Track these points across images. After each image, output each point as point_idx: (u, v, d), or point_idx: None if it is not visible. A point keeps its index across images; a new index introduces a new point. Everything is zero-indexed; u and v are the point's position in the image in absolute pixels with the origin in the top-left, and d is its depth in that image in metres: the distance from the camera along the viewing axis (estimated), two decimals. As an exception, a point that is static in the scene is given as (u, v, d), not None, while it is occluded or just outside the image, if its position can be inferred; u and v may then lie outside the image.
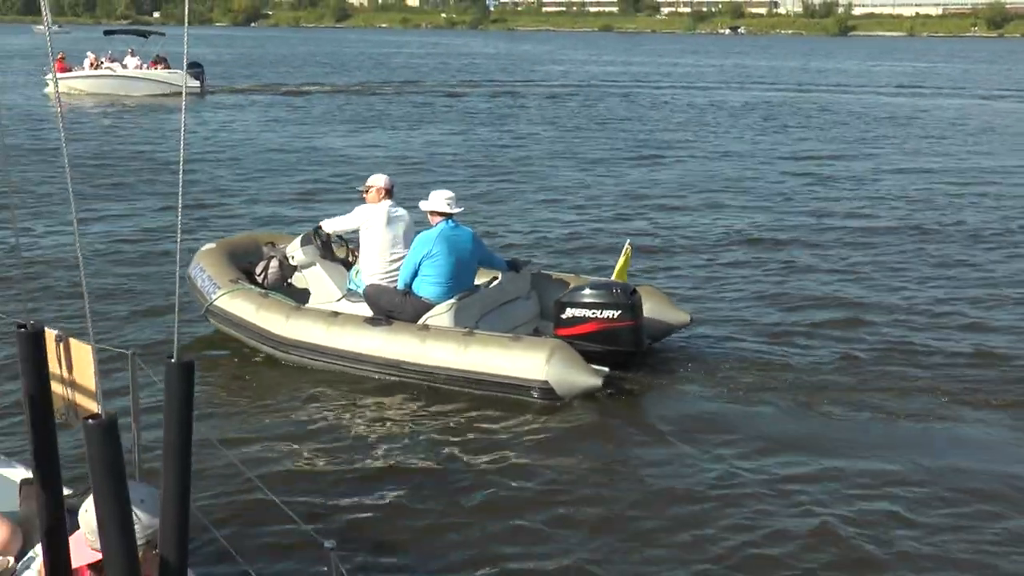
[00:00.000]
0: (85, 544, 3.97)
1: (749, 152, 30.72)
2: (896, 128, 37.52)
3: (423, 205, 11.48)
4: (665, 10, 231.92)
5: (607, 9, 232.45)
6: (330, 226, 12.02)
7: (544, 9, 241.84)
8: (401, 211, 11.79)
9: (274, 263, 12.34)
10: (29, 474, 5.35)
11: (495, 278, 11.69)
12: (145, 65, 48.84)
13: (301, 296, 12.07)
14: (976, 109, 46.44)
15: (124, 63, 49.26)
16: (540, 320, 11.71)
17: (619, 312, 10.73)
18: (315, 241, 11.96)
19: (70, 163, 3.09)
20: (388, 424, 9.92)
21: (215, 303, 11.64)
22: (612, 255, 14.57)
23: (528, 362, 10.19)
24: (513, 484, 8.53)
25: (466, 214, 12.74)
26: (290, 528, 7.00)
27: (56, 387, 4.65)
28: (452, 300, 10.95)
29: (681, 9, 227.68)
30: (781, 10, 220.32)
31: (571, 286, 11.46)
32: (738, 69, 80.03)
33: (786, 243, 17.98)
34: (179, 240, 3.44)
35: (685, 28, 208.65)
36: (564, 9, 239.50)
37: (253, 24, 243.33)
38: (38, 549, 4.41)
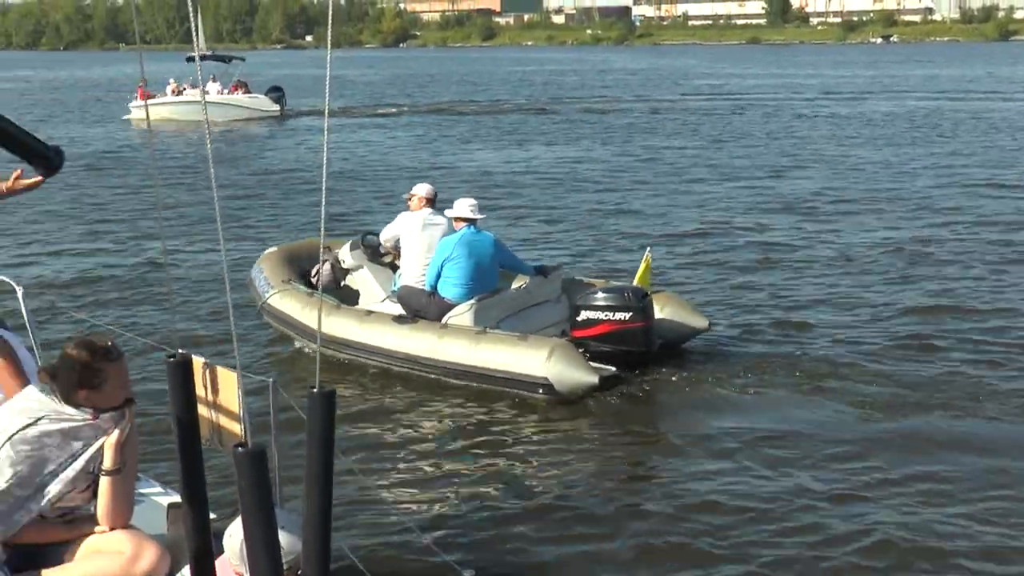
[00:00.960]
0: (229, 568, 4.01)
1: (885, 162, 30.10)
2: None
3: (448, 212, 12.22)
4: (814, 20, 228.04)
5: (754, 21, 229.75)
6: (382, 234, 12.81)
7: (690, 23, 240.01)
8: (439, 219, 12.32)
9: (327, 266, 13.06)
10: (176, 498, 5.44)
11: (523, 282, 12.39)
12: (226, 90, 49.22)
13: (353, 297, 12.88)
14: None
15: (206, 89, 48.86)
16: (568, 323, 11.97)
17: (630, 314, 11.34)
18: (362, 246, 12.86)
19: (202, 186, 3.13)
20: (519, 446, 9.95)
21: (267, 301, 12.64)
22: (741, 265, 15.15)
23: (530, 360, 10.75)
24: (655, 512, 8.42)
25: (595, 224, 12.89)
26: (429, 557, 7.00)
27: (202, 412, 4.73)
28: (472, 301, 11.62)
29: (831, 19, 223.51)
30: (936, 16, 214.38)
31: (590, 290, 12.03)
32: (889, 79, 78.00)
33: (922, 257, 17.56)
34: (321, 270, 3.45)
35: (835, 38, 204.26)
36: (711, 23, 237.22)
37: (402, 45, 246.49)
38: (186, 572, 4.47)
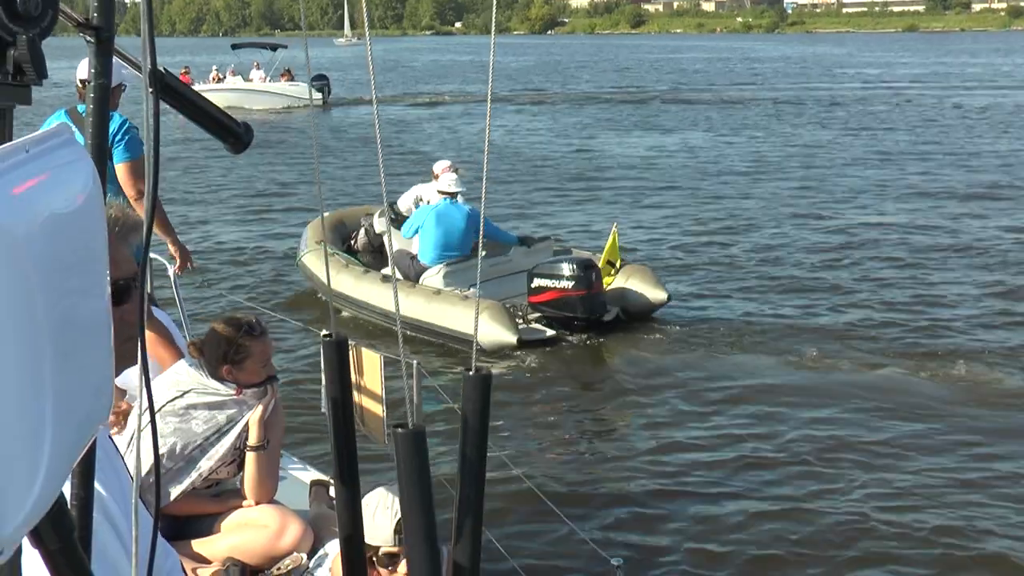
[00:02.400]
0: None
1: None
2: None
3: (434, 185, 13.73)
4: (977, 6, 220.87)
5: (912, 8, 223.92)
6: (399, 202, 14.54)
7: (844, 10, 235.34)
8: (456, 198, 13.36)
9: (362, 232, 14.63)
10: (318, 475, 5.51)
11: (503, 251, 13.54)
12: (269, 78, 48.56)
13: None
14: None
15: (250, 76, 49.29)
16: None
17: (572, 283, 12.16)
18: (388, 214, 13.43)
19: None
20: (657, 432, 9.92)
21: (300, 259, 14.36)
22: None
23: (464, 319, 11.83)
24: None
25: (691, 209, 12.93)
26: (575, 543, 6.94)
27: (354, 396, 4.77)
28: (441, 266, 12.93)
29: (995, 5, 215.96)
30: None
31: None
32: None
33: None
34: (479, 257, 3.43)
35: (1000, 25, 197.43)
36: (866, 10, 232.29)
37: (550, 32, 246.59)
38: (328, 547, 4.51)
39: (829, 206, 21.80)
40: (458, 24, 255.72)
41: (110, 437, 2.80)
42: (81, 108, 7.24)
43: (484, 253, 13.00)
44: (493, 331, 11.69)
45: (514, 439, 9.63)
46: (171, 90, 1.63)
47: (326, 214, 15.50)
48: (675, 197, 23.59)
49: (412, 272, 13.06)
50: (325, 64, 71.62)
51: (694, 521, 7.97)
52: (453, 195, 13.07)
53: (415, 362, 4.91)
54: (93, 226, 1.33)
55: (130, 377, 5.74)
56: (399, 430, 2.66)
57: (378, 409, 4.66)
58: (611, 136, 36.02)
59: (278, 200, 23.08)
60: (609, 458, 9.26)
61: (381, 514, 3.98)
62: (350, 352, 4.75)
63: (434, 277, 12.85)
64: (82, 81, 7.21)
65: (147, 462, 4.69)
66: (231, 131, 1.84)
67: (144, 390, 1.71)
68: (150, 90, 1.53)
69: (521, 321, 12.41)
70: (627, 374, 11.46)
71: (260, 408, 4.74)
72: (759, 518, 8.03)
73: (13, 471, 1.16)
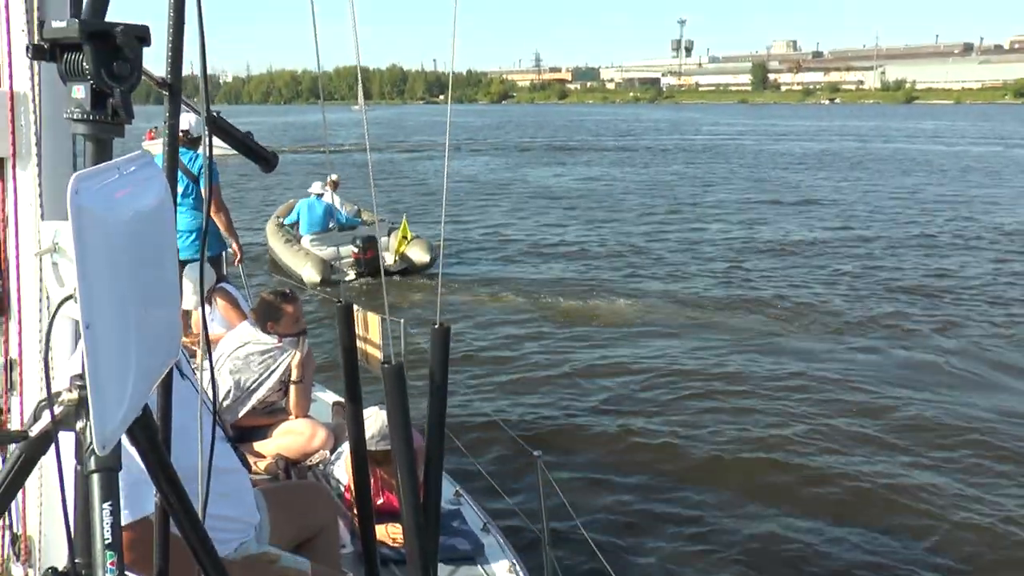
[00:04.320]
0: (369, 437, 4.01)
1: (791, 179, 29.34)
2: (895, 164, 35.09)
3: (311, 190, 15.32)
4: (783, 88, 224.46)
5: (744, 88, 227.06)
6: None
7: (700, 88, 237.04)
8: (321, 197, 15.07)
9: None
10: (338, 398, 5.48)
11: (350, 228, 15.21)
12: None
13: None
14: (992, 155, 42.91)
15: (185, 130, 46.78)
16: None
17: (357, 249, 13.85)
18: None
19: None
20: (574, 347, 9.95)
21: (266, 231, 16.27)
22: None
23: (301, 266, 13.83)
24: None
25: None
26: (504, 438, 6.88)
27: (359, 344, 4.73)
28: (307, 235, 14.71)
29: (794, 87, 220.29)
30: (865, 86, 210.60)
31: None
32: (826, 125, 76.86)
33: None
34: (443, 238, 3.40)
35: (796, 100, 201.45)
36: (713, 88, 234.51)
37: (504, 102, 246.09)
38: (344, 448, 4.49)
39: (653, 211, 22.25)
40: (441, 96, 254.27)
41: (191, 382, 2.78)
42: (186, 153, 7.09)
43: (336, 228, 15.46)
44: (309, 274, 13.53)
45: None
46: (220, 129, 1.62)
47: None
48: (547, 206, 24.14)
49: (293, 238, 15.02)
50: (345, 123, 71.20)
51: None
52: (319, 195, 14.98)
53: (402, 321, 4.87)
54: (165, 220, 1.32)
55: (215, 328, 5.71)
56: (386, 366, 2.65)
57: (377, 353, 4.63)
58: (533, 169, 36.26)
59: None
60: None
61: (374, 423, 3.98)
62: (357, 314, 4.72)
63: (304, 240, 14.76)
64: (183, 131, 7.10)
65: (221, 391, 4.66)
66: (263, 157, 1.83)
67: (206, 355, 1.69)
68: (207, 128, 1.53)
69: (342, 269, 14.03)
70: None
71: (298, 353, 4.73)
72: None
73: (110, 390, 1.15)
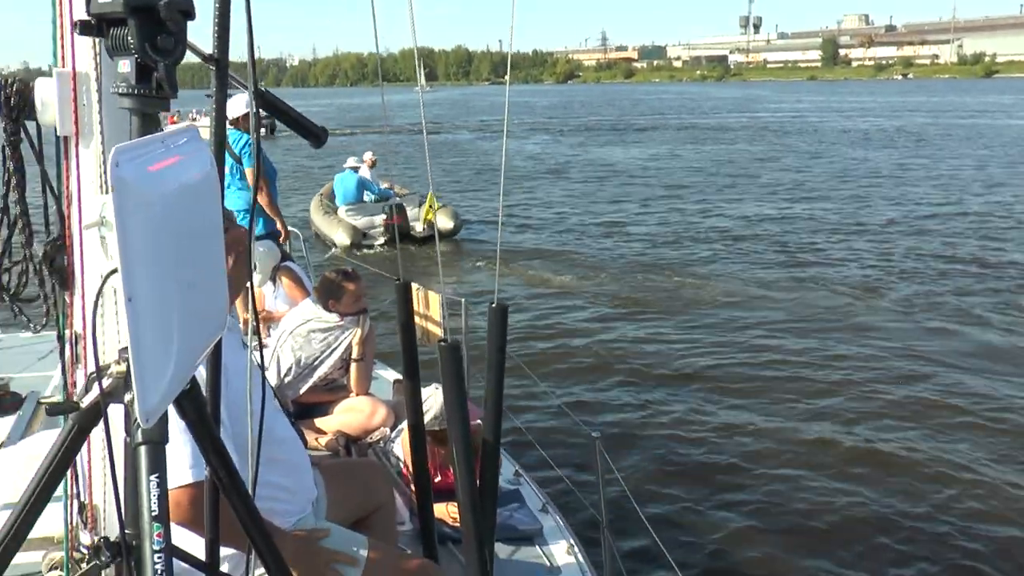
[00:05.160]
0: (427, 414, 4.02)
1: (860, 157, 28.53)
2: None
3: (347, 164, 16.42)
4: (855, 63, 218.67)
5: (813, 64, 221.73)
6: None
7: (768, 66, 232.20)
8: (356, 171, 16.29)
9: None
10: (398, 376, 5.51)
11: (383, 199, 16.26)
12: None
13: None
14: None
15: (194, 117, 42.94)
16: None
17: (386, 216, 15.15)
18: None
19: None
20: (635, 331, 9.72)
21: (311, 207, 17.03)
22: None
23: (335, 231, 15.30)
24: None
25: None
26: (563, 419, 6.87)
27: (416, 321, 4.75)
28: (343, 206, 15.96)
29: (867, 63, 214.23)
30: (941, 60, 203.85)
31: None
32: (899, 102, 74.70)
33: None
34: (500, 219, 3.38)
35: (869, 75, 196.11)
36: (782, 65, 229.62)
37: (569, 82, 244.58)
38: (403, 425, 4.51)
39: (705, 193, 21.61)
40: (506, 76, 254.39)
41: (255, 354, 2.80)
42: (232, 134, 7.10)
43: (374, 200, 16.08)
44: (341, 238, 15.00)
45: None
46: (269, 104, 1.61)
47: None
48: (608, 185, 23.90)
49: (332, 209, 16.19)
50: (409, 103, 71.73)
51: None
52: (354, 168, 16.18)
53: (463, 300, 4.88)
54: (211, 194, 1.32)
55: (279, 305, 5.78)
56: (442, 343, 2.64)
57: (437, 330, 4.65)
58: (594, 149, 36.02)
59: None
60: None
61: (435, 402, 3.99)
62: (417, 292, 4.72)
63: (341, 210, 15.96)
64: (233, 119, 7.10)
65: (283, 367, 4.73)
66: (313, 132, 1.82)
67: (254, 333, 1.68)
68: (254, 103, 1.53)
69: (373, 236, 15.47)
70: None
71: (359, 331, 4.76)
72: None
73: (152, 363, 1.15)
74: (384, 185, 17.02)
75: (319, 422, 4.77)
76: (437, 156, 31.44)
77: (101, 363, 1.27)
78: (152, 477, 1.23)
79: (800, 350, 9.23)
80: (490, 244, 15.35)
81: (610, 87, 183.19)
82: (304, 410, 4.82)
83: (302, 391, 4.78)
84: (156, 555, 1.21)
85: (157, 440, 1.23)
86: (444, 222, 15.37)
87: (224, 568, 2.22)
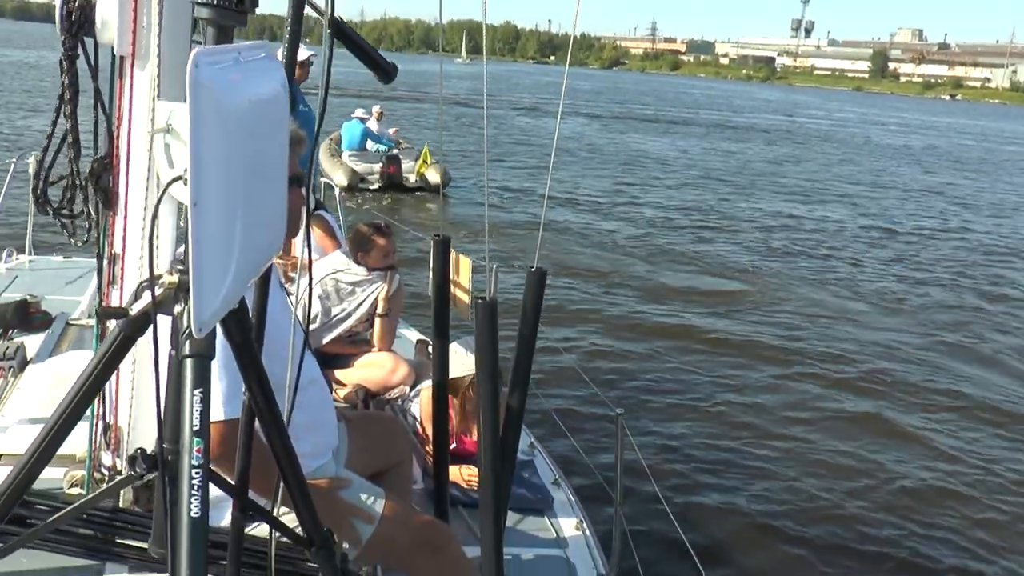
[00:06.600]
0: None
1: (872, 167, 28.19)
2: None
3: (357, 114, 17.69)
4: (903, 79, 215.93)
5: (860, 74, 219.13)
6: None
7: (815, 72, 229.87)
8: (364, 122, 17.64)
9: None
10: (421, 336, 5.51)
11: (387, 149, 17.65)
12: None
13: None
14: None
15: None
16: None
17: (382, 165, 17.00)
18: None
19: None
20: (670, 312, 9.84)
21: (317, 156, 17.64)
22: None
23: (337, 174, 16.22)
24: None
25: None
26: (586, 393, 6.87)
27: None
28: (347, 152, 17.37)
29: (915, 79, 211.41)
30: (992, 84, 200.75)
31: None
32: (939, 122, 73.84)
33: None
34: (545, 205, 3.34)
35: (916, 92, 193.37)
36: (828, 73, 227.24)
37: (614, 68, 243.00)
38: (422, 386, 4.50)
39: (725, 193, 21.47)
40: (552, 57, 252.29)
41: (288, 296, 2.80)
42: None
43: (377, 150, 17.44)
44: (339, 179, 15.64)
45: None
46: (342, 33, 1.59)
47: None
48: (644, 172, 23.85)
49: (337, 153, 17.44)
50: (450, 73, 71.49)
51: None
52: (362, 119, 17.47)
53: (495, 265, 4.85)
54: (280, 113, 1.30)
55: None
56: (480, 300, 2.62)
57: (465, 297, 4.63)
58: (631, 136, 35.95)
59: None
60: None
61: (461, 353, 3.99)
62: (455, 254, 4.70)
63: (344, 155, 17.27)
64: (300, 63, 7.04)
65: (312, 313, 4.73)
66: (383, 67, 1.80)
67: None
68: (328, 31, 1.50)
69: (368, 181, 16.91)
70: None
71: (386, 287, 4.75)
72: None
73: (212, 271, 1.14)
74: (392, 131, 18.62)
75: (339, 374, 4.77)
76: (472, 126, 31.44)
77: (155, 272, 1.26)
78: (196, 392, 1.22)
79: (830, 347, 9.46)
80: (481, 213, 15.73)
81: (655, 77, 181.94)
82: (326, 360, 4.80)
83: (325, 341, 4.78)
84: (194, 470, 1.20)
85: (205, 354, 1.22)
86: (433, 176, 16.79)
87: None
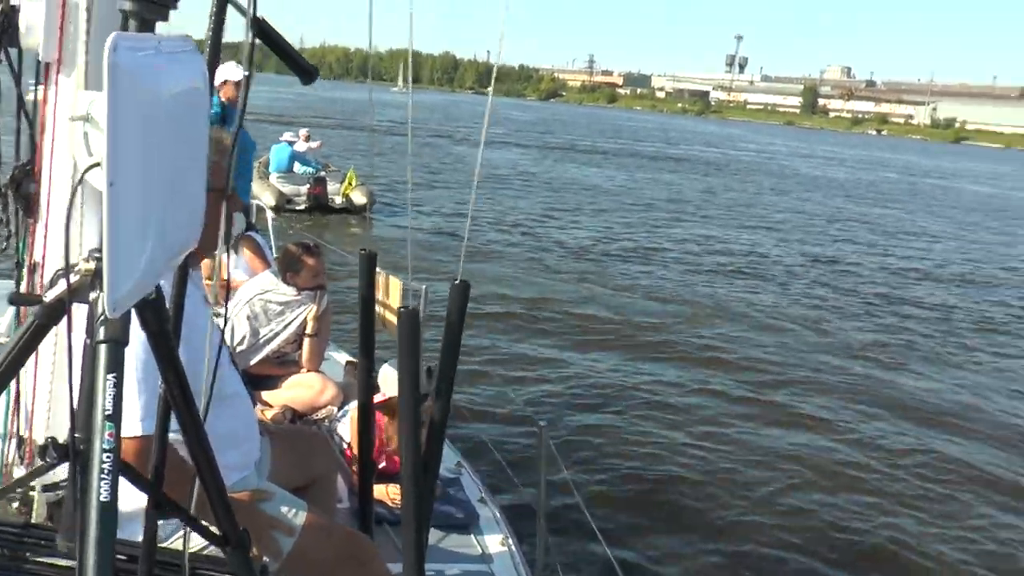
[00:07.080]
0: (379, 394, 4.03)
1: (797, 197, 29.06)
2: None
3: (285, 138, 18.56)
4: (832, 114, 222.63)
5: (792, 109, 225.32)
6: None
7: (748, 106, 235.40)
8: (292, 145, 18.30)
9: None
10: (350, 358, 5.50)
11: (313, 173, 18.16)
12: None
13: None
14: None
15: None
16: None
17: (308, 187, 17.56)
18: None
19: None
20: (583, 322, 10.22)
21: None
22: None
23: (266, 195, 16.22)
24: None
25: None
26: (510, 408, 6.95)
27: (377, 308, 4.74)
28: (274, 173, 17.86)
29: (844, 115, 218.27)
30: (915, 121, 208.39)
31: None
32: (865, 156, 76.45)
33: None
34: (470, 217, 3.40)
35: (844, 127, 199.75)
36: (761, 107, 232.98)
37: (552, 100, 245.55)
38: (350, 407, 4.50)
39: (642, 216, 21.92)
40: (489, 88, 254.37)
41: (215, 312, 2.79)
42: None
43: (304, 172, 17.97)
44: (267, 199, 15.38)
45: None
46: (265, 34, 1.62)
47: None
48: (574, 201, 24.09)
49: (265, 175, 17.71)
50: (388, 102, 71.72)
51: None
52: (290, 142, 18.07)
53: (424, 287, 4.89)
54: (200, 106, 1.33)
55: (239, 274, 5.74)
56: (402, 309, 2.65)
57: (394, 318, 4.64)
58: (565, 166, 36.30)
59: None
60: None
61: (388, 377, 4.01)
62: (379, 276, 4.71)
63: (272, 177, 17.73)
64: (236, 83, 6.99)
65: (237, 336, 4.70)
66: (303, 68, 1.84)
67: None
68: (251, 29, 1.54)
69: (295, 201, 17.37)
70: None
71: (315, 307, 4.75)
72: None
73: (126, 252, 1.16)
74: (316, 144, 19.23)
75: (267, 395, 4.75)
76: (406, 154, 31.60)
77: (70, 260, 1.27)
78: (110, 376, 1.23)
79: (746, 357, 9.91)
80: (403, 230, 16.24)
81: (592, 110, 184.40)
82: (253, 382, 4.78)
83: (252, 362, 4.75)
84: (105, 454, 1.21)
85: (118, 339, 1.24)
86: (358, 197, 17.73)
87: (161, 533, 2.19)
